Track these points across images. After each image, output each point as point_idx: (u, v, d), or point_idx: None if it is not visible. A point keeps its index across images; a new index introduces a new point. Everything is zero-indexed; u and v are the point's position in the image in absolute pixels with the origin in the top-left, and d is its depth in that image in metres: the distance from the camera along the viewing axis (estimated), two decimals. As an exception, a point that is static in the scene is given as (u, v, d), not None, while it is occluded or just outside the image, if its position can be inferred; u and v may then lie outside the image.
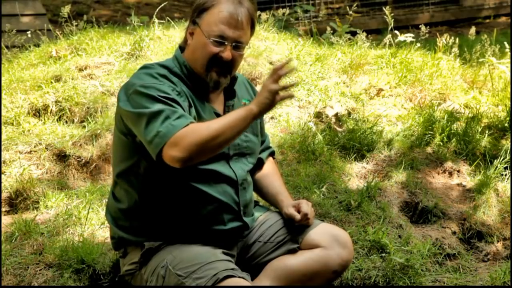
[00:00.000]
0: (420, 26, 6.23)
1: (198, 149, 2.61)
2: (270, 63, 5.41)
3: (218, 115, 2.89)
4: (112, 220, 2.97)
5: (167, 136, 2.61)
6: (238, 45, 2.82)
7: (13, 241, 3.44)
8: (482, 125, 4.94)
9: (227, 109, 2.93)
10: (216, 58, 2.80)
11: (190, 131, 2.60)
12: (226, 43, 2.79)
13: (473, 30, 6.58)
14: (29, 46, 5.84)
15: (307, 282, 2.91)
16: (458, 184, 4.48)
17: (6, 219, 3.68)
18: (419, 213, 4.22)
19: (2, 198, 3.84)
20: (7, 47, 6.03)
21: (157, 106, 2.65)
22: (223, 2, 2.81)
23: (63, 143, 4.22)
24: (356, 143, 4.57)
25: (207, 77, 2.82)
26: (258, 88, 4.98)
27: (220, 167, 2.86)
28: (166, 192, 2.82)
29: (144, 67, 2.86)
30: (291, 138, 4.55)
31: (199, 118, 2.82)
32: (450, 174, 4.55)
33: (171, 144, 2.60)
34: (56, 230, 3.55)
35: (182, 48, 2.93)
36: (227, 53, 2.80)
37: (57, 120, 4.55)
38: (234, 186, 2.90)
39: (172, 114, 2.64)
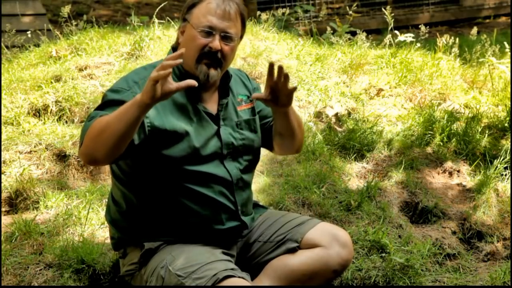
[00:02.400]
0: (420, 26, 6.24)
1: (92, 144, 2.60)
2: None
3: (209, 115, 2.89)
4: (111, 221, 2.98)
5: (80, 138, 2.67)
6: (227, 36, 2.82)
7: (13, 241, 3.44)
8: (482, 125, 4.94)
9: (220, 107, 2.92)
10: (205, 50, 2.80)
11: (90, 128, 2.62)
12: (214, 33, 2.80)
13: (474, 30, 6.59)
14: (29, 46, 5.84)
15: (307, 282, 2.92)
16: (458, 184, 4.48)
17: (6, 219, 3.68)
18: (419, 213, 4.22)
19: (2, 198, 3.84)
20: (7, 47, 6.03)
21: (97, 108, 2.72)
22: None
23: (63, 143, 4.22)
24: (356, 143, 4.57)
25: (197, 70, 2.82)
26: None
27: (214, 168, 2.86)
28: (163, 194, 2.82)
29: (136, 69, 2.91)
30: (291, 138, 4.54)
31: (185, 120, 2.81)
32: (450, 174, 4.55)
33: (82, 146, 2.66)
34: (56, 230, 3.55)
35: (174, 49, 2.94)
36: (215, 43, 2.80)
37: (57, 120, 4.54)
38: (229, 186, 2.90)
39: (92, 118, 2.67)
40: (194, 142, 2.81)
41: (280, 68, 2.73)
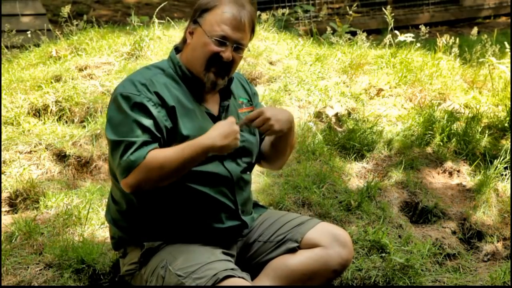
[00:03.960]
0: (420, 26, 6.24)
1: (152, 185, 2.72)
2: (270, 63, 5.42)
3: (211, 116, 2.89)
4: (111, 220, 2.98)
5: (129, 171, 2.69)
6: (238, 47, 2.83)
7: (13, 241, 3.44)
8: (482, 125, 4.94)
9: (221, 109, 2.93)
10: (215, 57, 2.80)
11: (145, 168, 2.67)
12: (227, 43, 2.80)
13: (475, 30, 6.60)
14: (29, 46, 5.84)
15: (307, 282, 2.92)
16: (458, 184, 4.48)
17: (6, 219, 3.68)
18: (419, 213, 4.22)
19: (2, 198, 3.84)
20: (7, 47, 6.03)
21: (119, 131, 2.72)
22: (226, 4, 2.82)
23: (63, 143, 4.22)
24: (356, 143, 4.57)
25: (205, 76, 2.83)
26: (259, 88, 5.00)
27: (215, 167, 2.86)
28: (162, 193, 2.82)
29: (141, 69, 2.90)
30: (291, 138, 4.54)
31: (190, 120, 2.82)
32: (450, 174, 4.55)
33: (129, 177, 2.70)
34: (56, 230, 3.55)
35: (177, 49, 2.94)
36: (227, 54, 2.80)
37: (57, 120, 4.54)
38: (230, 185, 2.90)
39: (130, 146, 2.69)
40: None
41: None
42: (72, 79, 4.87)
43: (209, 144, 2.69)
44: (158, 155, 2.68)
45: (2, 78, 4.91)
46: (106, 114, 2.84)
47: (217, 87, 2.86)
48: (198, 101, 2.87)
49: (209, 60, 2.81)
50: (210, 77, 2.82)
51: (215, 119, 2.90)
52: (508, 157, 4.54)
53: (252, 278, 2.89)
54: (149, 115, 2.73)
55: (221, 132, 2.70)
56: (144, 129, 2.71)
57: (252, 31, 2.89)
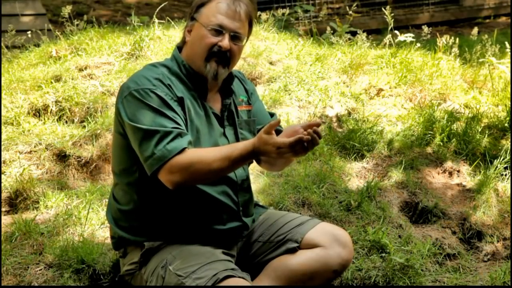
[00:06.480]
0: (422, 26, 6.25)
1: (196, 181, 2.73)
2: (270, 63, 5.42)
3: (215, 115, 2.90)
4: (112, 220, 2.98)
5: (162, 160, 2.66)
6: (236, 36, 2.84)
7: (13, 241, 3.44)
8: (482, 125, 4.94)
9: (224, 108, 2.94)
10: (214, 49, 2.82)
11: (189, 162, 2.64)
12: (224, 32, 2.82)
13: (474, 30, 6.60)
14: (29, 46, 5.84)
15: (307, 282, 2.92)
16: (458, 184, 4.48)
17: (6, 219, 3.68)
18: (419, 213, 4.22)
19: (2, 198, 3.84)
20: (7, 47, 6.04)
21: (151, 121, 2.69)
22: None
23: (63, 143, 4.22)
24: (356, 143, 4.57)
25: (206, 68, 2.83)
26: (259, 88, 5.00)
27: None
28: (164, 192, 2.82)
29: (147, 67, 2.89)
30: (291, 138, 4.53)
31: (196, 118, 2.83)
32: (450, 174, 4.55)
33: (167, 170, 2.66)
34: (56, 230, 3.55)
35: (179, 48, 2.95)
36: (225, 42, 2.82)
37: (57, 120, 4.54)
38: (234, 186, 2.90)
39: (166, 136, 2.67)
40: (206, 141, 2.83)
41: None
42: (72, 79, 4.87)
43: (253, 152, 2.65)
44: (202, 155, 2.68)
45: (2, 78, 4.91)
46: (122, 112, 2.76)
47: (219, 77, 2.86)
48: (203, 100, 2.89)
49: (208, 52, 2.82)
50: (212, 66, 2.83)
51: (218, 118, 2.91)
52: (508, 157, 4.54)
53: (252, 278, 2.89)
54: (170, 107, 2.73)
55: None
56: (172, 120, 2.71)
57: (250, 23, 2.91)
